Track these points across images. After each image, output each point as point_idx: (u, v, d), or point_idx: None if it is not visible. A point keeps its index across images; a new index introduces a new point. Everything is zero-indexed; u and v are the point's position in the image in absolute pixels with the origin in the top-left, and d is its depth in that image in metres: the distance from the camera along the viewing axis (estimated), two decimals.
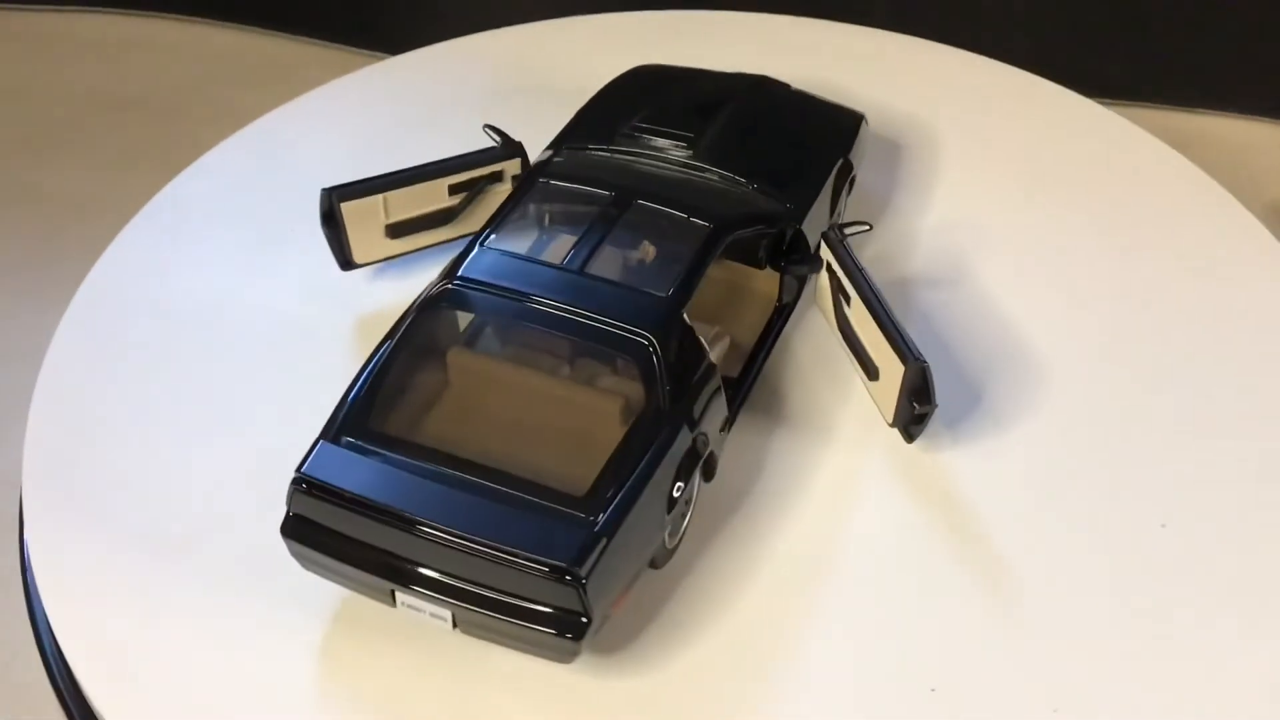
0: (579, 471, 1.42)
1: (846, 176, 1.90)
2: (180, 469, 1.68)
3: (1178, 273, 1.96)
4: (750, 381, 1.71)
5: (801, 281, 1.80)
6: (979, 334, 1.85)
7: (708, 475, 1.60)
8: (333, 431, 1.46)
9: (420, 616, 1.43)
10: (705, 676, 1.47)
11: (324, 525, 1.43)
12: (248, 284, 1.94)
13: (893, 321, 1.62)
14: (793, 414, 1.74)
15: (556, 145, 1.86)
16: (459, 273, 1.57)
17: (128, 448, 1.71)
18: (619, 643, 1.49)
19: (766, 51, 2.39)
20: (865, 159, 2.02)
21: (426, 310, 1.56)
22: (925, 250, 2.00)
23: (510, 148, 1.87)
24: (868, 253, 1.96)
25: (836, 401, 1.75)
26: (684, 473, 1.48)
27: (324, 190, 1.78)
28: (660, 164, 1.80)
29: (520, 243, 1.62)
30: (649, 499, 1.43)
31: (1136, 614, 1.52)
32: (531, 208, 1.69)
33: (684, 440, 1.48)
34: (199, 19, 4.05)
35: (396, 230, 1.85)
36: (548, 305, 1.52)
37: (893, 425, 1.65)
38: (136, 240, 2.04)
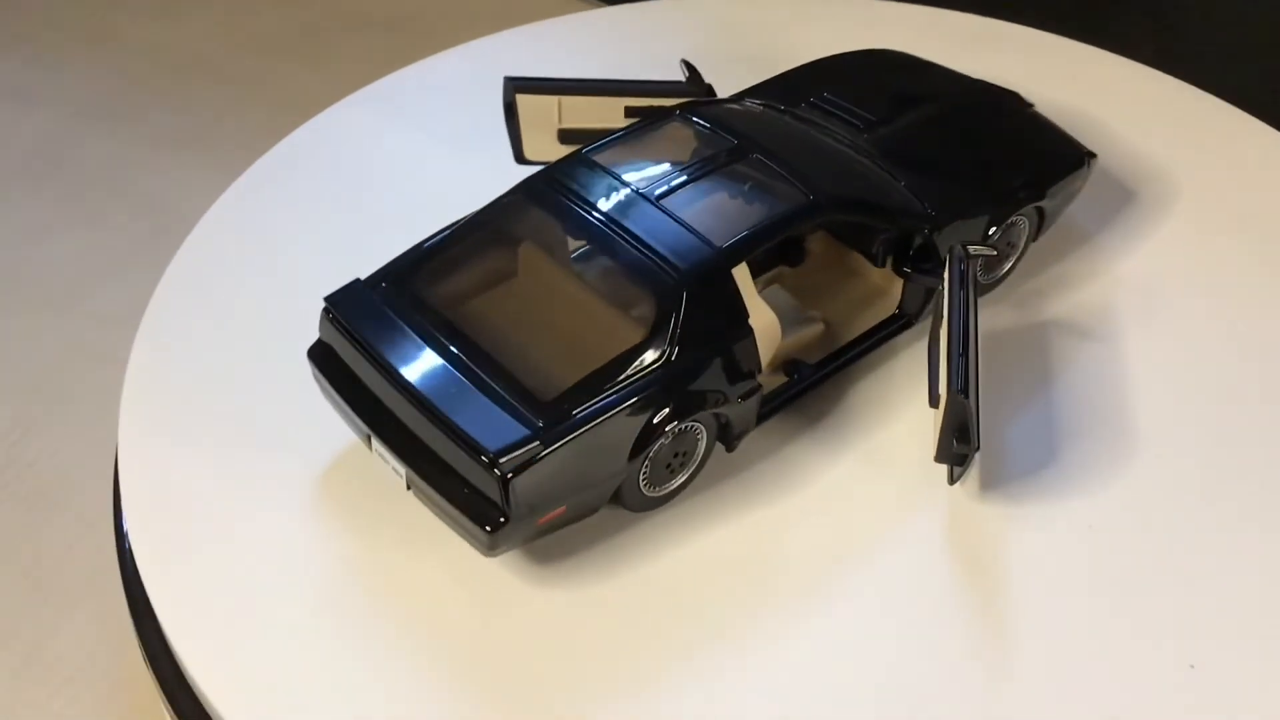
0: (559, 379, 1.44)
1: (1027, 205, 1.76)
2: None
3: None
4: (819, 375, 1.64)
5: (927, 296, 1.69)
6: (1093, 392, 1.70)
7: (728, 443, 1.56)
8: (373, 277, 1.55)
9: (386, 469, 1.49)
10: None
11: (337, 357, 1.53)
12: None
13: (964, 349, 1.50)
14: (857, 425, 1.66)
15: (740, 95, 1.85)
16: (546, 171, 1.61)
17: None
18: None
19: (1026, 65, 2.23)
20: (1084, 196, 1.88)
21: (505, 198, 1.61)
22: (1093, 296, 1.84)
23: (697, 85, 1.86)
24: (1031, 285, 1.84)
25: (907, 428, 1.65)
26: (671, 419, 1.46)
27: (506, 79, 1.86)
28: (822, 134, 1.75)
29: (622, 161, 1.63)
30: (611, 429, 1.42)
31: None
32: (653, 134, 1.69)
33: (679, 389, 1.46)
34: None
35: (568, 137, 1.89)
36: (605, 222, 1.53)
37: (937, 460, 1.53)
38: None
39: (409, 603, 1.48)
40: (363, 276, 1.56)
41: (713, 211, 1.56)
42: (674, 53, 1.96)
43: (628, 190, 1.57)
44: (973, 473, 1.58)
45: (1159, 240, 1.94)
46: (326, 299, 1.53)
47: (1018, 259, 1.82)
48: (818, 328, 1.69)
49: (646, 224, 1.52)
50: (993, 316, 1.80)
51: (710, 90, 1.87)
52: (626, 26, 2.44)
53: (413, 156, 2.10)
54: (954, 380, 1.45)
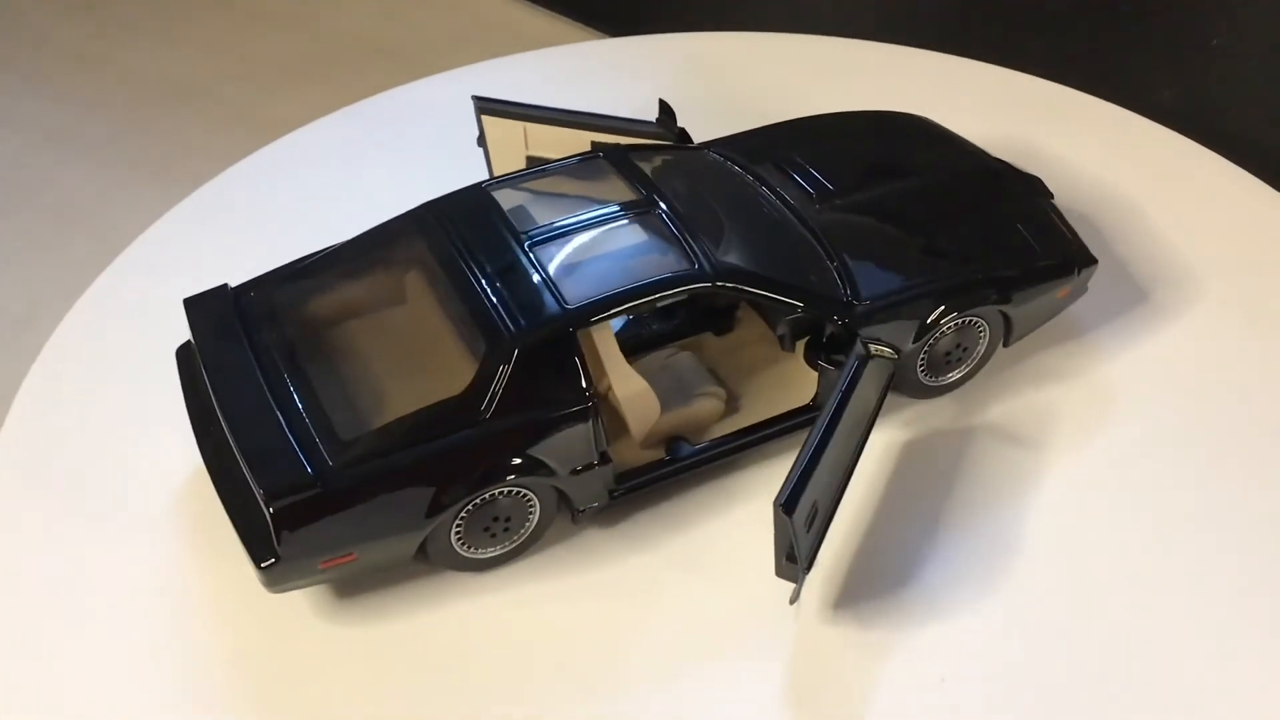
0: (366, 420, 1.37)
1: (982, 307, 1.57)
2: None
3: None
4: (697, 456, 1.51)
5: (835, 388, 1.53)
6: (991, 520, 1.52)
7: (572, 513, 1.46)
8: (244, 284, 1.52)
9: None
10: None
11: (191, 361, 1.50)
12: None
13: (813, 450, 1.34)
14: (730, 516, 1.52)
15: (710, 142, 1.73)
16: (436, 200, 1.54)
17: None
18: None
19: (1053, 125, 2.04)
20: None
21: (393, 222, 1.55)
22: (1047, 402, 1.65)
23: (668, 126, 1.75)
24: (983, 379, 1.64)
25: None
26: (480, 483, 1.37)
27: (474, 97, 1.79)
28: (763, 198, 1.61)
29: (517, 200, 1.54)
30: (404, 482, 1.34)
31: None
32: (565, 174, 1.60)
33: (494, 451, 1.37)
34: None
35: (536, 165, 1.81)
36: (468, 264, 1.45)
37: (777, 574, 1.38)
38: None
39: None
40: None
41: (581, 266, 1.46)
42: (663, 90, 1.85)
43: (506, 232, 1.48)
44: (824, 589, 1.43)
45: (1151, 349, 1.72)
46: (186, 300, 1.51)
47: (975, 365, 1.63)
48: (712, 404, 1.56)
49: (506, 272, 1.44)
50: (926, 413, 1.63)
51: (682, 133, 1.75)
52: (627, 58, 2.32)
53: (385, 177, 2.03)
54: (784, 490, 1.30)
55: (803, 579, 1.34)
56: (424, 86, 2.23)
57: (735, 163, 1.68)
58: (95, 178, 3.08)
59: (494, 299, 1.41)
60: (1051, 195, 1.74)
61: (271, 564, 1.33)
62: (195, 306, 1.50)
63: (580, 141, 1.77)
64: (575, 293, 1.41)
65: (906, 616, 1.42)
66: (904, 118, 1.84)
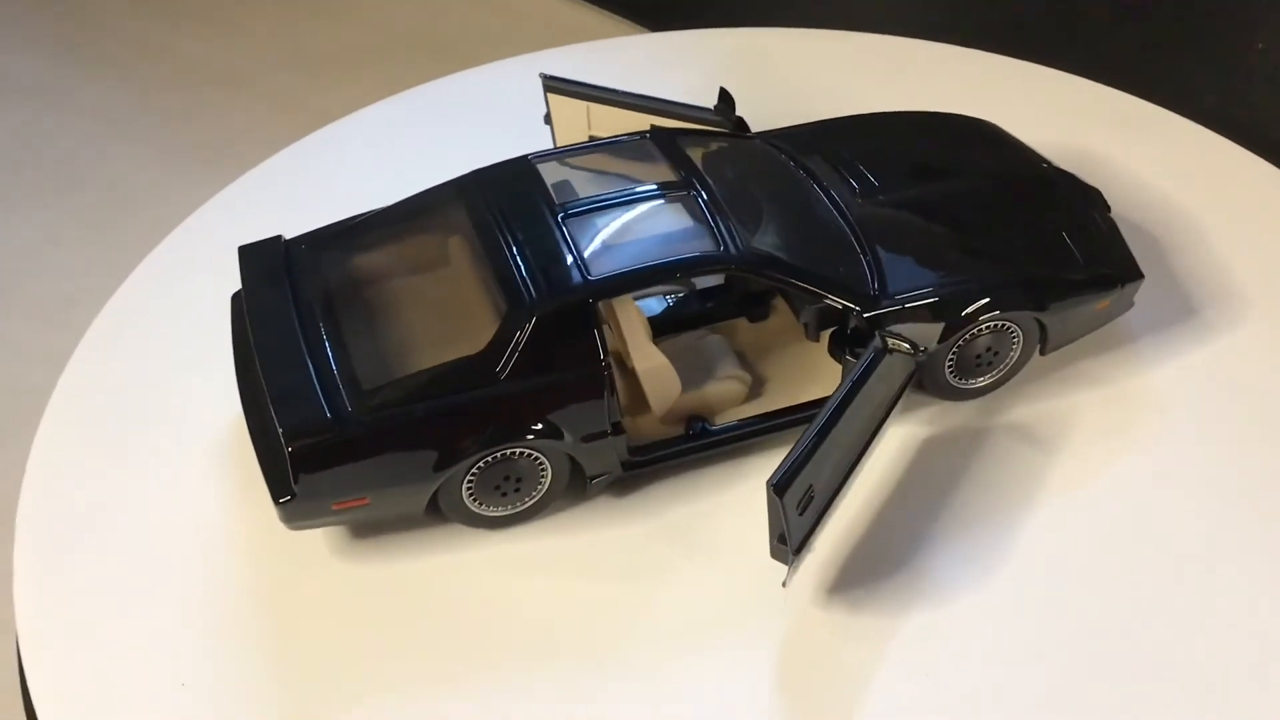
0: (389, 372, 1.43)
1: (1016, 312, 1.57)
2: None
3: None
4: (718, 437, 1.54)
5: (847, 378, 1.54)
6: (989, 523, 1.52)
7: (585, 480, 1.50)
8: (298, 237, 1.60)
9: None
10: None
11: (238, 309, 1.58)
12: None
13: (814, 436, 1.36)
14: (739, 501, 1.54)
15: (768, 132, 1.76)
16: (482, 170, 1.59)
17: None
18: None
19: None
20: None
21: (438, 188, 1.60)
22: (1071, 408, 1.64)
23: (726, 114, 1.78)
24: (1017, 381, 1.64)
25: None
26: (491, 441, 1.42)
27: (542, 75, 1.84)
28: (806, 190, 1.64)
29: (559, 173, 1.59)
30: (416, 433, 1.40)
31: None
32: (611, 152, 1.64)
33: (505, 412, 1.42)
34: None
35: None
36: (503, 231, 1.50)
37: (772, 556, 1.40)
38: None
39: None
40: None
41: (610, 241, 1.50)
42: (708, 84, 1.86)
43: (542, 203, 1.53)
44: (821, 575, 1.45)
45: (1192, 361, 1.69)
46: (240, 247, 1.59)
47: (1007, 371, 1.63)
48: (735, 388, 1.58)
49: (537, 241, 1.48)
50: (949, 410, 1.64)
51: (740, 121, 1.78)
52: (672, 52, 2.32)
53: (430, 162, 1.90)
54: (778, 471, 1.32)
55: (793, 561, 1.36)
56: (469, 76, 2.27)
57: (785, 153, 1.70)
58: (149, 163, 3.19)
59: (521, 266, 1.45)
60: (1109, 208, 1.72)
61: (288, 500, 1.40)
62: (248, 254, 1.58)
63: (640, 124, 1.81)
64: (599, 266, 1.45)
65: (900, 608, 1.44)
66: (968, 121, 1.83)
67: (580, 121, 1.86)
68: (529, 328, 1.41)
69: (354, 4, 3.71)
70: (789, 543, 1.34)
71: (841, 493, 1.43)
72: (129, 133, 3.28)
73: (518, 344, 1.41)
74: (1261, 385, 1.67)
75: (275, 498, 1.40)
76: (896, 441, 1.59)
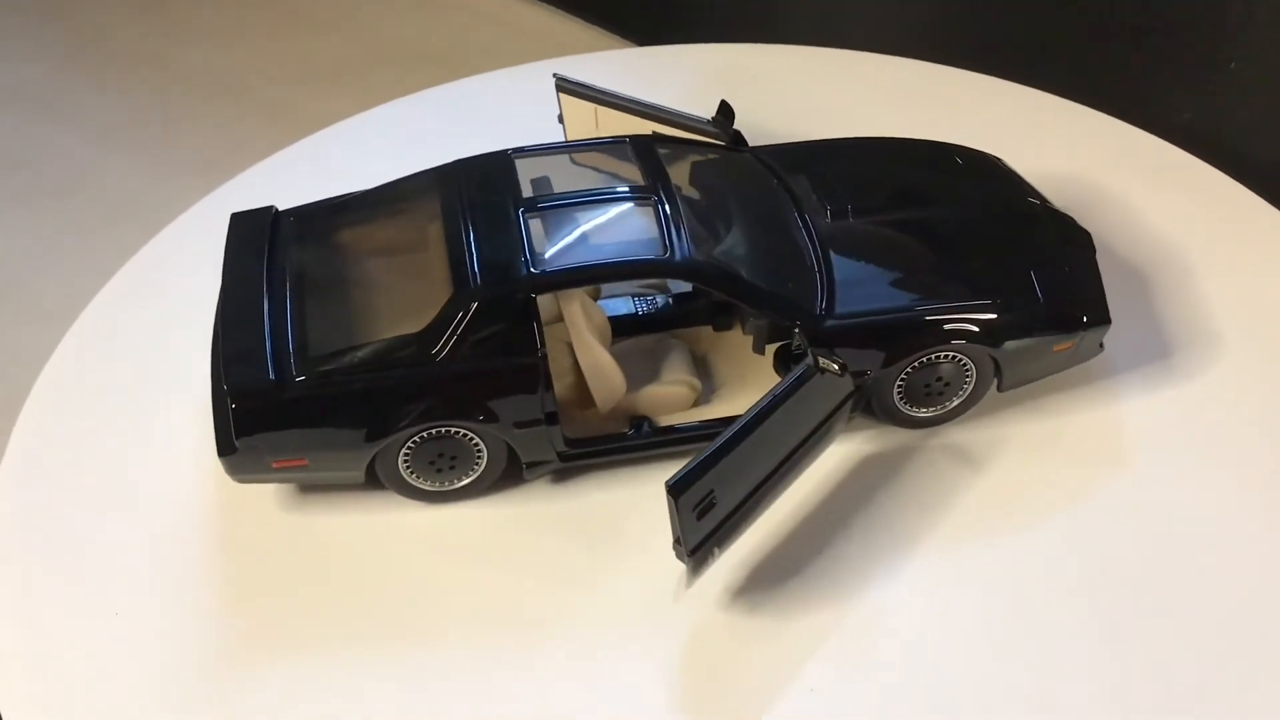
0: (337, 342, 1.51)
1: (967, 345, 1.57)
2: None
3: None
4: (658, 438, 1.59)
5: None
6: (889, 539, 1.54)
7: (521, 469, 1.56)
8: (288, 210, 1.69)
9: None
10: None
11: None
12: None
13: (721, 444, 1.39)
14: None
15: (761, 148, 1.79)
16: (462, 160, 1.66)
17: None
18: None
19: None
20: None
21: (421, 174, 1.68)
22: (1013, 432, 1.66)
23: (723, 126, 1.81)
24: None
25: None
26: (422, 417, 1.49)
27: (555, 75, 1.91)
28: (775, 206, 1.66)
29: (533, 169, 1.64)
30: (351, 401, 1.48)
31: None
32: (587, 153, 1.69)
33: (439, 391, 1.48)
34: None
35: None
36: (467, 219, 1.56)
37: (676, 557, 1.44)
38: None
39: None
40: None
41: (560, 238, 1.55)
42: (695, 98, 1.90)
43: (509, 197, 1.59)
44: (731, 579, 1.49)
45: (1166, 397, 1.69)
46: (233, 215, 1.68)
47: (961, 403, 1.63)
48: (683, 392, 1.62)
49: (494, 232, 1.55)
50: (893, 430, 1.66)
51: (736, 135, 1.82)
52: (659, 66, 2.33)
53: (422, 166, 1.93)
54: (679, 473, 1.36)
55: (689, 564, 1.40)
56: (459, 87, 2.32)
57: (771, 169, 1.73)
58: (144, 170, 3.28)
59: (474, 254, 1.52)
60: (1094, 250, 1.71)
61: (230, 455, 1.49)
62: (238, 221, 1.68)
63: (643, 129, 1.86)
64: (544, 261, 1.51)
65: (798, 618, 1.46)
66: (969, 153, 1.83)
67: (589, 123, 1.92)
68: (468, 314, 1.48)
69: (348, 16, 3.82)
70: (683, 544, 1.38)
71: (758, 504, 1.46)
72: (126, 140, 3.40)
73: (456, 328, 1.47)
74: (1227, 416, 1.67)
75: (219, 451, 1.50)
76: (836, 457, 1.61)
